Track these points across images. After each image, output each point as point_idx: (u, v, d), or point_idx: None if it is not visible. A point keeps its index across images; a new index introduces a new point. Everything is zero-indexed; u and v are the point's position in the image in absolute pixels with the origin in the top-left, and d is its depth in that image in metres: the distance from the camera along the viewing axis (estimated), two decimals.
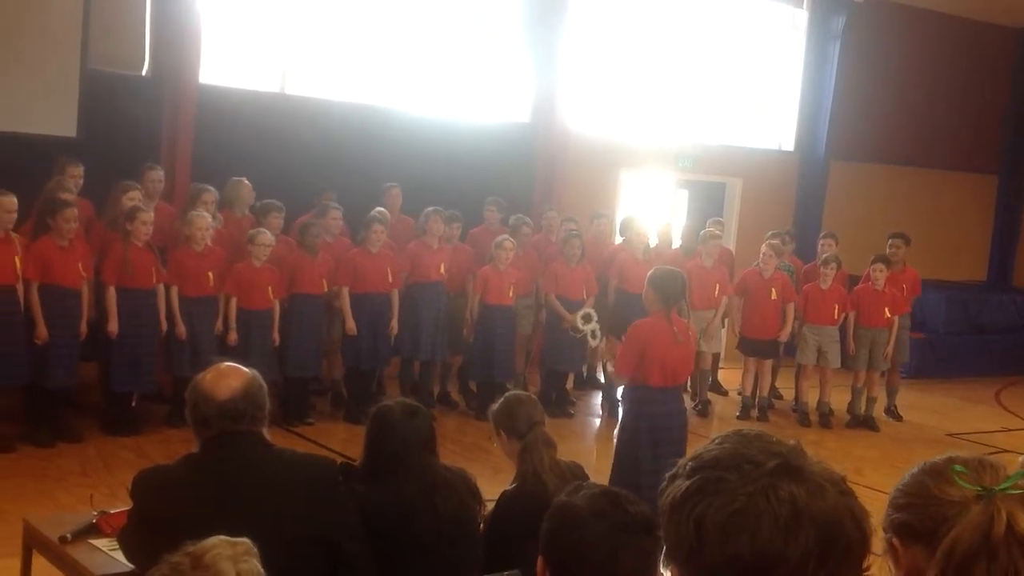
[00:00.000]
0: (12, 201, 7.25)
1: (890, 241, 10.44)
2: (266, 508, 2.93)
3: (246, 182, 8.93)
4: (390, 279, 8.86)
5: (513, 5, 11.44)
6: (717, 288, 9.98)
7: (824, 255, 10.22)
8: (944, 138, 14.58)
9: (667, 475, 1.35)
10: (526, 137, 11.59)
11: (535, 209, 10.91)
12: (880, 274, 9.94)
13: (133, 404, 8.08)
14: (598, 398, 10.33)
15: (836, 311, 9.98)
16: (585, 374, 10.79)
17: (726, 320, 10.58)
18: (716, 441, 1.34)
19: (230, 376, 3.14)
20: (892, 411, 10.55)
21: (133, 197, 8.04)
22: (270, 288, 8.32)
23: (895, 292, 10.11)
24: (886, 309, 10.01)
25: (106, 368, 7.89)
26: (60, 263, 7.41)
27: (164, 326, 7.95)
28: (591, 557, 2.14)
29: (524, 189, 11.40)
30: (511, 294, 9.31)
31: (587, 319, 9.30)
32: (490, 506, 3.84)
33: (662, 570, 1.38)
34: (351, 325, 8.69)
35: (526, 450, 3.87)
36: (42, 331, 7.31)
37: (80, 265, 7.53)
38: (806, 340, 9.97)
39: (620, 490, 2.39)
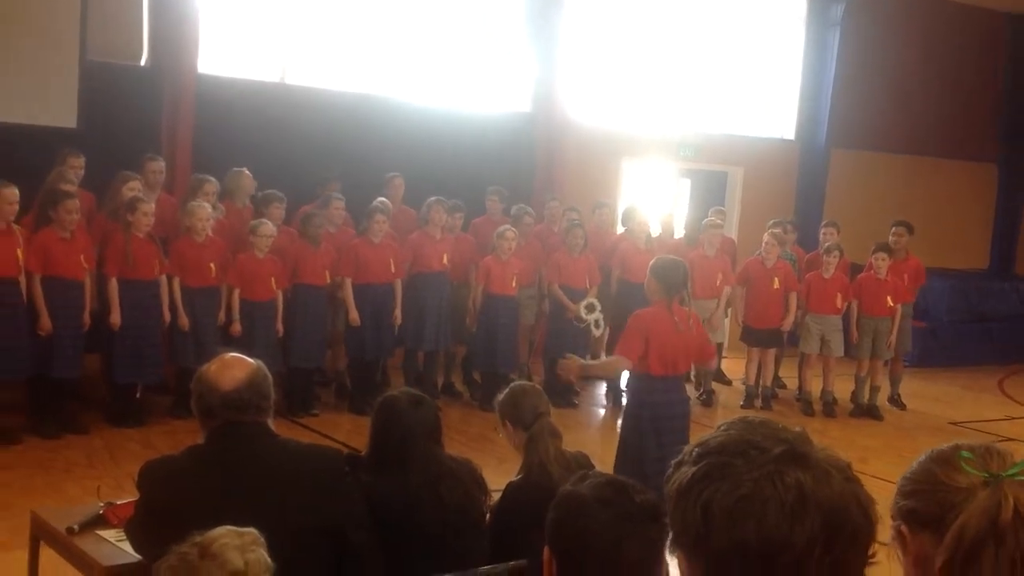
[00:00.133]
0: (14, 192, 7.25)
1: (893, 229, 10.42)
2: (272, 498, 2.94)
3: (246, 172, 8.93)
4: (393, 269, 8.86)
5: None
6: (719, 277, 9.97)
7: (826, 244, 10.21)
8: (945, 125, 14.55)
9: (673, 462, 1.36)
10: (527, 127, 11.59)
11: (536, 199, 10.91)
12: (882, 263, 9.92)
13: (137, 395, 8.09)
14: (602, 388, 10.33)
15: (839, 300, 9.98)
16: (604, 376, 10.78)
17: (729, 310, 10.57)
18: (722, 428, 1.35)
19: (235, 367, 3.15)
20: (896, 400, 10.55)
21: (133, 187, 8.04)
22: (273, 279, 8.33)
23: (897, 281, 10.09)
24: (888, 298, 10.00)
25: (109, 360, 7.90)
26: (62, 255, 7.41)
27: (167, 317, 7.96)
28: (597, 546, 2.14)
29: (525, 179, 11.40)
30: (514, 284, 9.31)
31: (590, 309, 9.30)
32: (495, 496, 3.85)
33: (668, 556, 1.39)
34: (354, 316, 8.70)
35: (532, 441, 3.88)
36: (45, 323, 7.32)
37: (82, 257, 7.53)
38: (809, 329, 9.97)
39: (625, 479, 2.39)
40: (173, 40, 9.47)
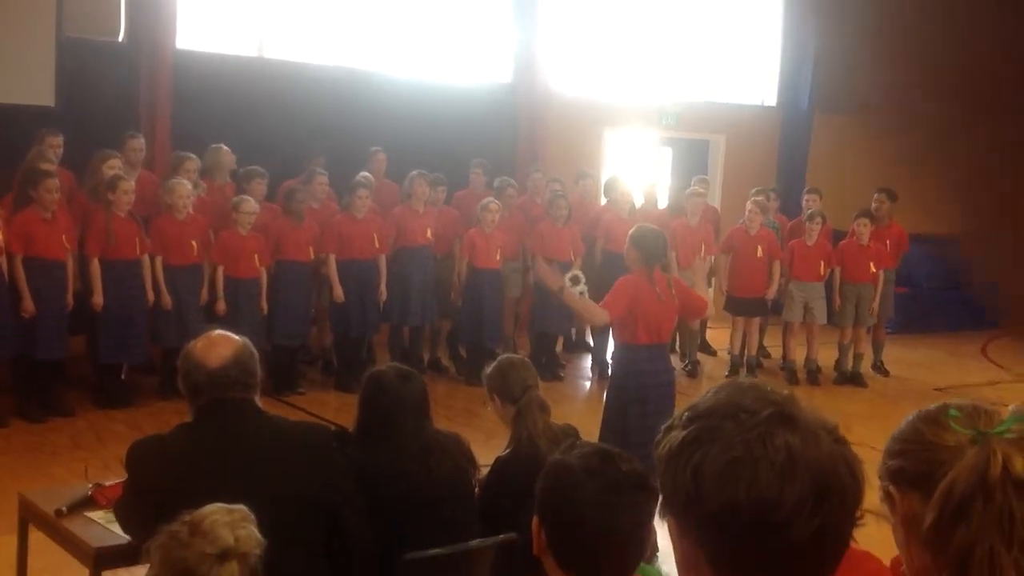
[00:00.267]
0: None
1: (875, 196, 10.45)
2: (261, 475, 2.94)
3: (225, 148, 8.87)
4: (376, 244, 8.84)
5: None
6: (703, 247, 9.99)
7: (809, 211, 10.23)
8: (928, 90, 14.54)
9: (663, 426, 1.37)
10: (509, 98, 11.55)
11: (519, 171, 10.89)
12: (864, 229, 9.95)
13: (123, 376, 8.06)
14: (587, 361, 10.36)
15: (822, 267, 10.01)
16: (574, 337, 10.81)
17: (712, 279, 10.59)
18: (711, 392, 1.35)
19: (221, 344, 3.14)
20: (879, 367, 10.61)
21: (113, 166, 7.97)
22: (256, 256, 8.29)
23: (879, 247, 10.13)
24: (871, 264, 10.04)
25: (93, 341, 7.86)
26: (43, 235, 7.35)
27: (151, 297, 7.92)
28: (585, 514, 2.16)
29: (508, 150, 11.37)
30: (498, 257, 9.31)
31: (575, 280, 9.26)
32: (484, 470, 3.86)
33: (658, 521, 1.39)
34: (339, 292, 8.68)
35: (520, 414, 3.88)
36: (28, 304, 7.27)
37: (64, 237, 7.47)
38: (792, 297, 10.00)
39: (612, 448, 2.40)
40: (150, 15, 9.39)
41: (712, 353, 10.98)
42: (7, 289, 7.25)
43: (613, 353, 6.30)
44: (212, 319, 7.76)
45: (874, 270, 10.05)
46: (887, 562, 1.93)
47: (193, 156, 8.49)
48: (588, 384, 9.95)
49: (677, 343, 10.13)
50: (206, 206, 8.48)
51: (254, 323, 8.03)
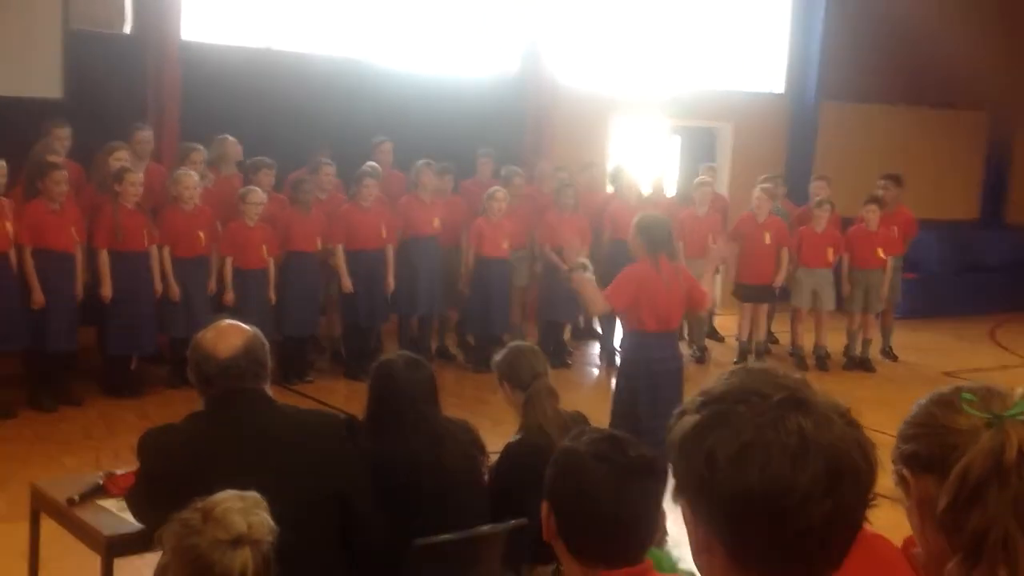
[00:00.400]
0: (1, 166, 7.20)
1: (880, 182, 10.43)
2: (273, 463, 2.94)
3: (231, 139, 8.87)
4: (384, 235, 8.84)
5: None
6: (710, 237, 9.97)
7: (817, 198, 10.21)
8: (935, 75, 14.49)
9: (675, 412, 1.37)
10: (516, 88, 11.52)
11: (526, 160, 10.87)
12: (873, 215, 9.94)
13: (132, 367, 8.09)
14: (596, 348, 10.36)
15: (830, 254, 9.99)
16: (582, 324, 10.81)
17: (721, 267, 10.59)
18: (723, 377, 1.36)
19: (231, 334, 3.15)
20: (888, 352, 10.60)
21: (120, 157, 7.97)
22: (264, 247, 8.30)
23: (888, 233, 10.11)
24: (879, 250, 10.03)
25: (102, 332, 7.89)
26: (52, 227, 7.37)
27: (158, 288, 7.94)
28: (595, 499, 2.16)
29: (514, 140, 11.35)
30: (505, 246, 9.30)
31: (582, 268, 9.28)
32: (493, 458, 3.87)
33: (672, 504, 1.40)
34: (347, 283, 8.69)
35: (529, 401, 3.89)
36: (38, 296, 7.29)
37: (72, 229, 7.49)
38: (800, 283, 9.99)
39: (621, 434, 2.41)
40: (156, 7, 9.39)
41: (720, 339, 10.97)
42: (17, 281, 7.27)
43: (621, 341, 6.31)
44: (220, 310, 7.78)
45: (883, 256, 10.03)
46: (899, 544, 1.93)
47: (200, 147, 8.49)
48: (596, 371, 9.95)
49: (686, 330, 10.13)
50: (213, 197, 8.48)
51: (262, 314, 8.02)
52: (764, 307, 10.14)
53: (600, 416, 5.98)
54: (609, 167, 11.06)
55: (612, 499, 2.15)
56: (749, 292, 10.04)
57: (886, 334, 10.62)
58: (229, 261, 8.21)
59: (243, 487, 2.28)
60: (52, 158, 7.56)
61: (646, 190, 10.44)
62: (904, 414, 1.71)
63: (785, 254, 9.96)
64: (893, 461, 1.66)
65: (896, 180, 10.42)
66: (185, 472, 2.87)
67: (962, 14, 14.44)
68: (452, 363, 9.61)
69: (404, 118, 10.15)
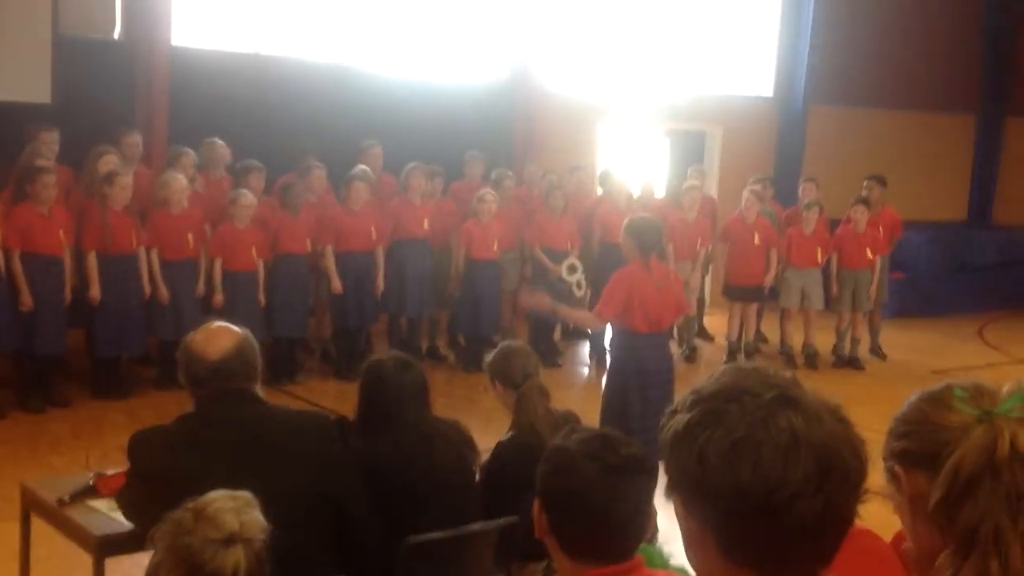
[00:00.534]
0: None
1: (865, 183, 10.49)
2: (264, 463, 2.94)
3: (219, 142, 8.86)
4: (374, 237, 8.84)
5: None
6: (699, 241, 10.01)
7: (806, 200, 10.25)
8: (922, 78, 14.57)
9: (667, 410, 1.38)
10: (504, 93, 11.53)
11: (516, 164, 10.88)
12: (861, 216, 9.99)
13: (120, 367, 8.07)
14: (585, 348, 10.37)
15: (819, 254, 10.04)
16: (571, 325, 10.81)
17: (710, 266, 10.61)
18: (715, 376, 1.37)
19: (221, 336, 3.14)
20: (876, 350, 10.65)
21: (109, 161, 7.96)
22: (254, 249, 8.29)
23: (875, 233, 10.17)
24: (868, 250, 10.08)
25: (91, 335, 7.87)
26: (41, 230, 7.35)
27: (147, 290, 7.92)
28: (586, 497, 2.18)
29: (503, 145, 11.36)
30: (495, 248, 9.31)
31: (572, 270, 9.32)
32: (484, 457, 3.87)
33: (664, 502, 1.41)
34: (337, 285, 8.69)
35: (521, 400, 3.90)
36: (26, 299, 7.27)
37: (61, 232, 7.46)
38: (789, 283, 10.04)
39: (612, 432, 2.42)
40: (146, 12, 9.38)
41: (710, 339, 11.00)
42: (5, 284, 7.26)
43: (612, 340, 6.32)
44: (209, 311, 7.77)
45: (871, 256, 10.08)
46: (888, 540, 1.95)
47: (189, 151, 8.49)
48: (586, 371, 9.97)
49: (675, 329, 10.15)
50: (203, 200, 8.47)
51: (251, 316, 8.00)
52: (753, 307, 10.18)
53: (590, 415, 6.00)
54: (598, 170, 11.08)
55: (603, 497, 2.17)
56: (738, 292, 10.07)
57: (874, 333, 10.67)
58: (218, 263, 8.20)
59: (234, 487, 2.29)
60: (40, 162, 7.55)
61: (635, 193, 10.46)
62: (893, 412, 1.73)
63: (774, 255, 10.00)
64: (884, 458, 1.68)
65: (880, 181, 10.49)
66: (176, 472, 2.87)
67: (948, 20, 14.54)
68: (443, 363, 9.61)
69: (393, 124, 10.14)
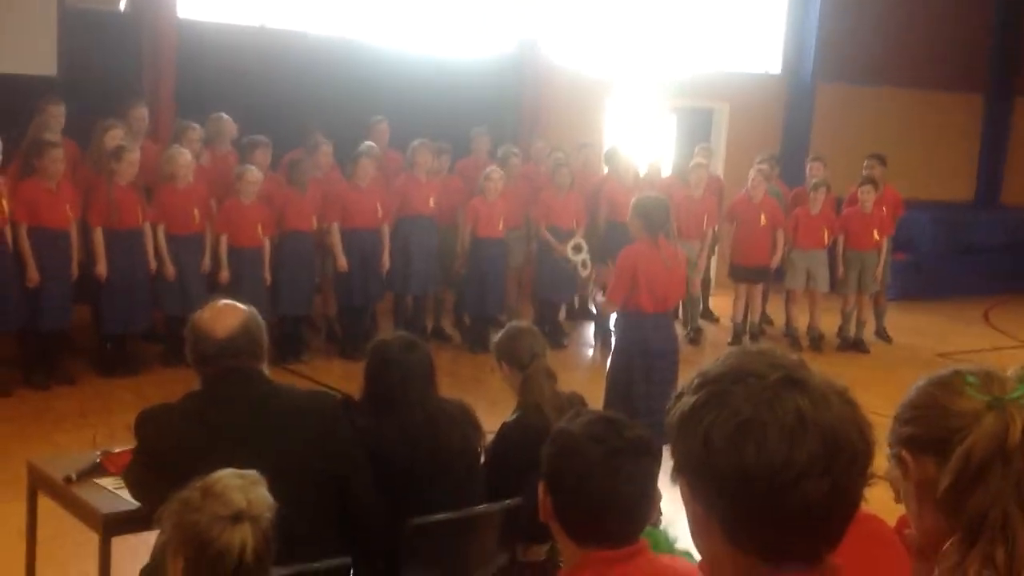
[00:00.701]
0: None
1: (866, 162, 10.43)
2: (270, 442, 2.95)
3: (225, 117, 8.84)
4: (380, 214, 8.82)
5: None
6: (705, 219, 9.98)
7: (813, 179, 10.20)
8: (930, 57, 14.49)
9: (673, 393, 1.38)
10: (511, 69, 11.48)
11: (521, 141, 10.85)
12: (868, 196, 9.94)
13: (126, 346, 8.08)
14: (591, 329, 10.37)
15: (825, 235, 10.00)
16: (577, 305, 10.82)
17: (716, 247, 10.58)
18: (721, 358, 1.37)
19: (228, 314, 3.15)
20: (881, 333, 10.63)
21: (115, 136, 7.94)
22: (260, 225, 8.28)
23: (882, 214, 10.13)
24: (875, 231, 10.04)
25: (98, 312, 7.88)
26: (48, 205, 7.35)
27: (153, 266, 7.93)
28: (590, 480, 2.18)
29: (510, 121, 11.33)
30: (501, 226, 9.30)
31: (577, 249, 9.31)
32: (489, 437, 3.88)
33: (671, 484, 1.41)
34: (342, 262, 8.68)
35: (527, 381, 3.90)
36: (33, 274, 7.27)
37: (68, 206, 7.46)
38: (794, 264, 10.00)
39: (617, 415, 2.42)
40: None
41: (715, 320, 10.99)
42: (12, 259, 7.26)
43: (617, 320, 6.31)
44: (215, 288, 7.77)
45: (878, 238, 10.04)
46: (892, 524, 1.95)
47: (196, 125, 8.47)
48: (591, 352, 9.96)
49: (680, 310, 10.14)
50: (209, 175, 8.46)
51: (257, 293, 8.00)
52: (759, 288, 10.16)
53: (595, 397, 6.01)
54: (605, 147, 11.05)
55: (608, 480, 2.17)
56: (744, 273, 10.05)
57: (879, 315, 10.64)
58: (224, 239, 8.19)
59: (241, 466, 2.29)
60: (48, 136, 7.53)
61: (642, 171, 10.43)
62: (898, 395, 1.72)
63: (781, 235, 9.97)
64: (889, 444, 1.67)
65: (881, 160, 10.43)
66: (183, 451, 2.88)
67: None
68: (448, 343, 9.61)
69: (400, 98, 10.12)
